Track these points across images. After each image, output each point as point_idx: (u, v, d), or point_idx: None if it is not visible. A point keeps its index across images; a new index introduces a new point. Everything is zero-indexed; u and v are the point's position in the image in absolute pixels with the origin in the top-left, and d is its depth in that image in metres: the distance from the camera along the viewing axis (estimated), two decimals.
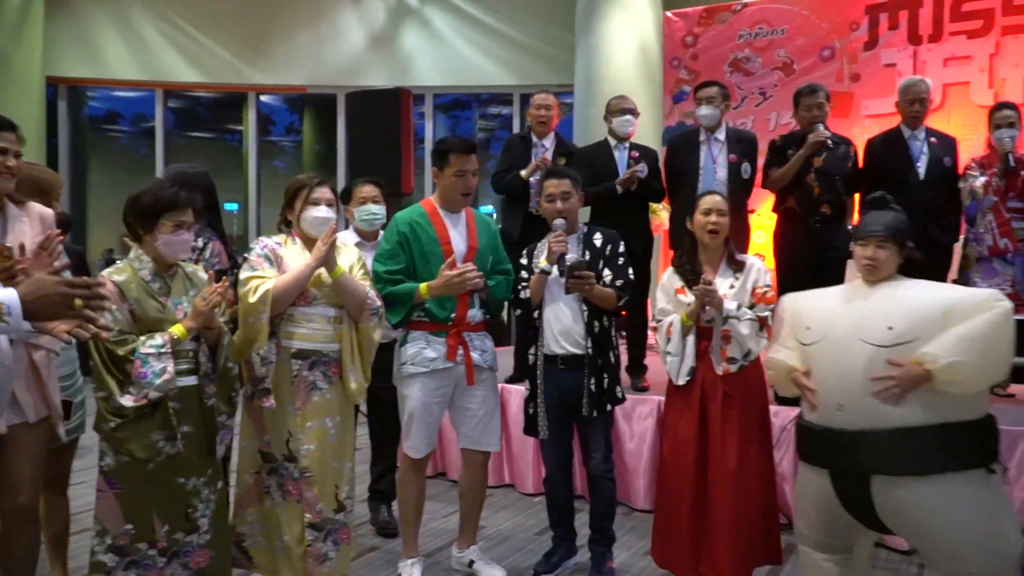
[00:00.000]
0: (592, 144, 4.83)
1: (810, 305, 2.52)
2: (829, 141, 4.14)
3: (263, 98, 10.23)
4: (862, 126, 6.13)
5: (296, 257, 2.87)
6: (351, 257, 2.98)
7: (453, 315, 3.12)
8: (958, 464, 2.19)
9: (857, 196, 4.54)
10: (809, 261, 4.16)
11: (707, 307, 2.94)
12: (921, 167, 4.26)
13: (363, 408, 3.89)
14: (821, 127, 4.14)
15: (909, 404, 2.19)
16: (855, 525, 2.38)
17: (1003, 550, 2.20)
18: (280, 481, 2.84)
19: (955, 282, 4.14)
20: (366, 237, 3.77)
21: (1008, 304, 2.19)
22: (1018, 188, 4.10)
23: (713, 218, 3.01)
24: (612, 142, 4.58)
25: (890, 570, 3.43)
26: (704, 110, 4.35)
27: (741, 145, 4.46)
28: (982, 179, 4.09)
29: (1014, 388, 4.28)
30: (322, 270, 2.81)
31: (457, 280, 3.01)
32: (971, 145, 5.23)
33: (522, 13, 9.19)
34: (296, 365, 2.83)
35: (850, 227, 4.63)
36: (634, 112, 4.57)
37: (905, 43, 6.30)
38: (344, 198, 3.99)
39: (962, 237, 4.32)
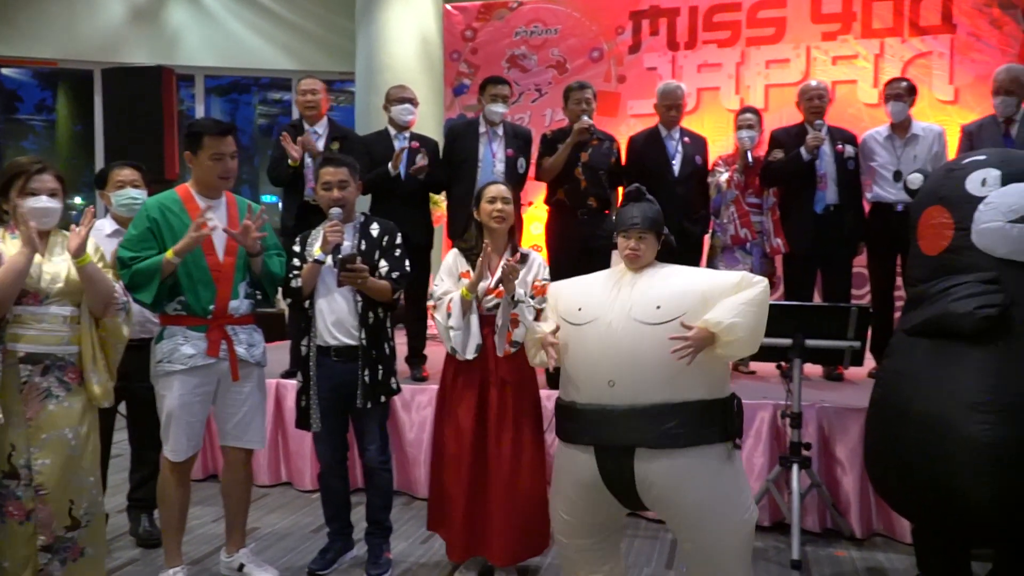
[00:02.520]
0: (372, 133, 4.78)
1: (579, 288, 2.62)
2: (592, 127, 4.39)
3: (6, 72, 9.15)
4: (628, 125, 6.54)
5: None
6: (87, 248, 2.68)
7: (212, 307, 2.95)
8: (709, 438, 2.37)
9: (621, 189, 4.85)
10: (578, 250, 4.38)
11: (489, 294, 3.00)
12: (676, 164, 4.61)
13: (123, 410, 3.61)
14: (586, 118, 4.38)
15: (673, 382, 2.34)
16: (613, 504, 2.49)
17: (741, 517, 2.41)
18: None
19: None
20: (125, 224, 3.47)
21: (764, 280, 2.41)
22: (756, 186, 4.57)
23: (499, 205, 3.08)
24: (392, 131, 4.55)
25: (648, 538, 3.68)
26: (499, 107, 4.44)
27: (518, 140, 4.60)
28: (726, 174, 4.53)
29: (755, 365, 4.74)
30: (69, 261, 2.54)
31: (194, 231, 2.83)
32: (720, 146, 5.74)
33: None
34: (25, 371, 2.54)
35: (614, 218, 4.93)
36: (413, 101, 4.56)
37: (665, 49, 6.79)
38: (99, 183, 3.67)
39: (711, 230, 4.73)
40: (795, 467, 3.48)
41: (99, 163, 8.53)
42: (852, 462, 3.68)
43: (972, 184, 2.71)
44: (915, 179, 3.06)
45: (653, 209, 2.59)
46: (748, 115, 4.61)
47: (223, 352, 2.96)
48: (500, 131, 4.53)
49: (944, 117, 5.72)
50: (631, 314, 2.39)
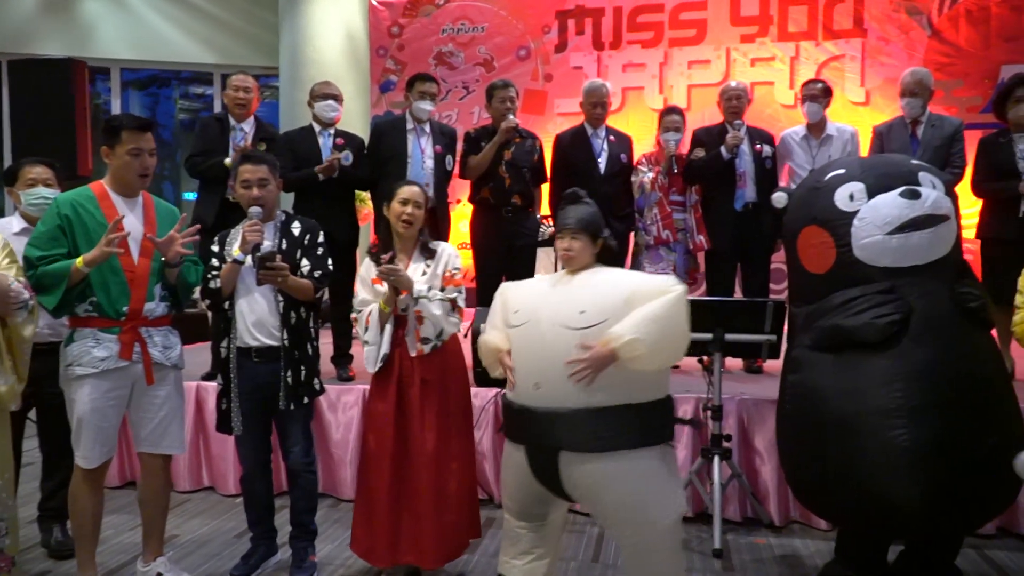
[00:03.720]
0: (296, 129, 4.70)
1: (521, 291, 2.63)
2: (518, 123, 4.44)
3: None
4: (555, 123, 6.59)
5: None
6: None
7: (126, 309, 2.85)
8: (638, 442, 2.37)
9: (545, 187, 4.89)
10: (503, 247, 4.40)
11: (402, 293, 2.97)
12: (602, 162, 4.67)
13: (33, 417, 3.47)
14: (511, 116, 4.41)
15: (598, 386, 2.34)
16: (549, 495, 2.54)
17: (663, 518, 2.39)
18: None
19: (631, 267, 4.59)
20: (34, 223, 3.32)
21: (682, 287, 2.40)
22: (679, 184, 4.65)
23: (409, 208, 3.05)
24: (317, 128, 4.48)
25: (576, 532, 3.72)
26: (426, 104, 4.41)
27: (444, 138, 4.59)
28: (649, 175, 4.60)
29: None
30: None
31: (106, 244, 2.72)
32: (646, 144, 5.81)
33: None
34: None
35: (538, 216, 4.97)
36: (338, 98, 4.50)
37: (591, 48, 6.88)
38: (8, 179, 3.52)
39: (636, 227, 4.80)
40: (716, 458, 3.56)
41: (7, 158, 8.16)
42: (770, 452, 3.77)
43: (841, 200, 2.76)
44: (780, 198, 3.08)
45: (588, 211, 2.60)
46: (674, 117, 4.68)
47: (136, 355, 2.87)
48: (427, 128, 4.51)
49: (856, 118, 5.94)
50: (556, 319, 2.40)
